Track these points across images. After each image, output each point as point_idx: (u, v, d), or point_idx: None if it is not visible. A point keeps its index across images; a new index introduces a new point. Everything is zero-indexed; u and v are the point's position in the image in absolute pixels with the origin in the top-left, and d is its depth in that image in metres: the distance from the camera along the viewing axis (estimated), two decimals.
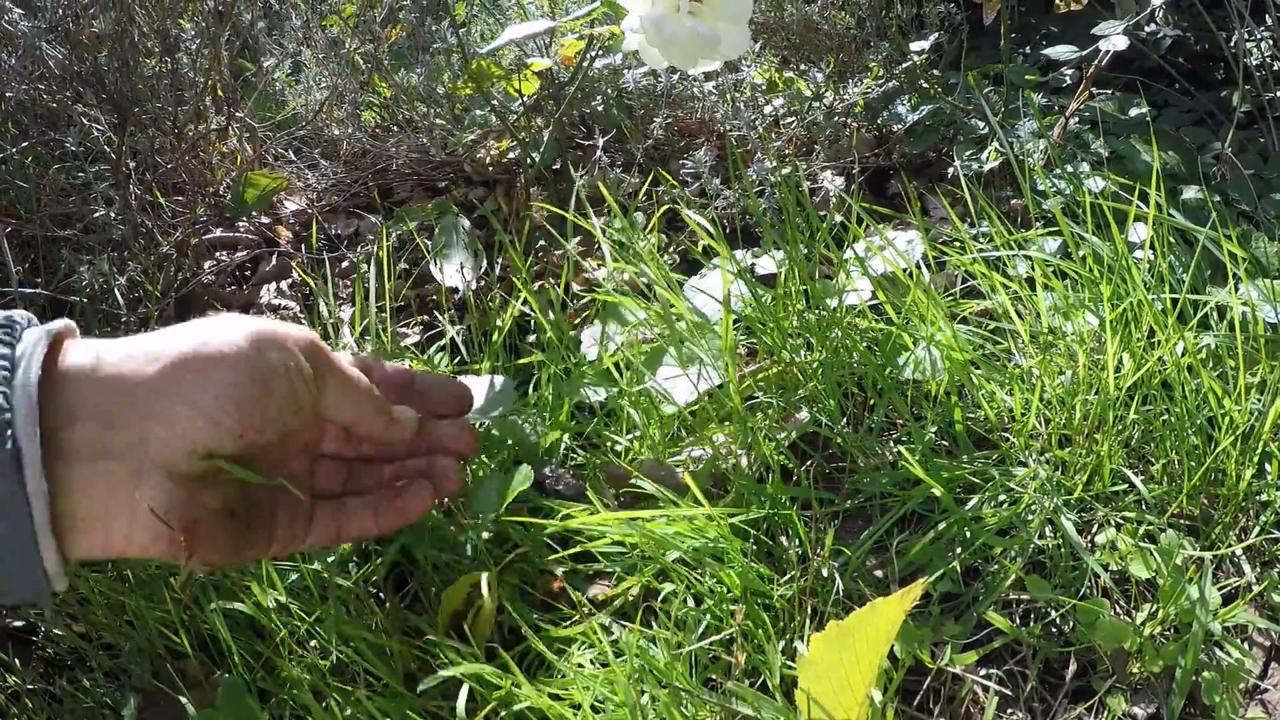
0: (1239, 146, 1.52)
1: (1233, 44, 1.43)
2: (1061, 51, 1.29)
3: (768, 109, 1.50)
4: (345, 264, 1.50)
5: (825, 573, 0.81)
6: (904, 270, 1.02)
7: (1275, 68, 1.52)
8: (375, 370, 0.74)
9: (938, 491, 0.83)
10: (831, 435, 0.94)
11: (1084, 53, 1.26)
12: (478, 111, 1.61)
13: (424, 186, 1.70)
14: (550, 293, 1.16)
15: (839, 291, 1.02)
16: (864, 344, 1.00)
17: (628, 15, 0.94)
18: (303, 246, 1.54)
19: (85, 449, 0.58)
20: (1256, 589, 0.86)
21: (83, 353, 0.61)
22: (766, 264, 1.15)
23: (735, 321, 1.02)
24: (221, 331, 0.62)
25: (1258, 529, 0.89)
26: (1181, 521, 0.90)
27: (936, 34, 1.39)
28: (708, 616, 0.79)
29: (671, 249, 1.28)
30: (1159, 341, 0.94)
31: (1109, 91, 1.47)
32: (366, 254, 1.46)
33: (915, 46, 1.37)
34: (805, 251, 1.08)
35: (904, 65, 1.42)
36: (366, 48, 1.60)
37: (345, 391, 0.67)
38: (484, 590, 0.82)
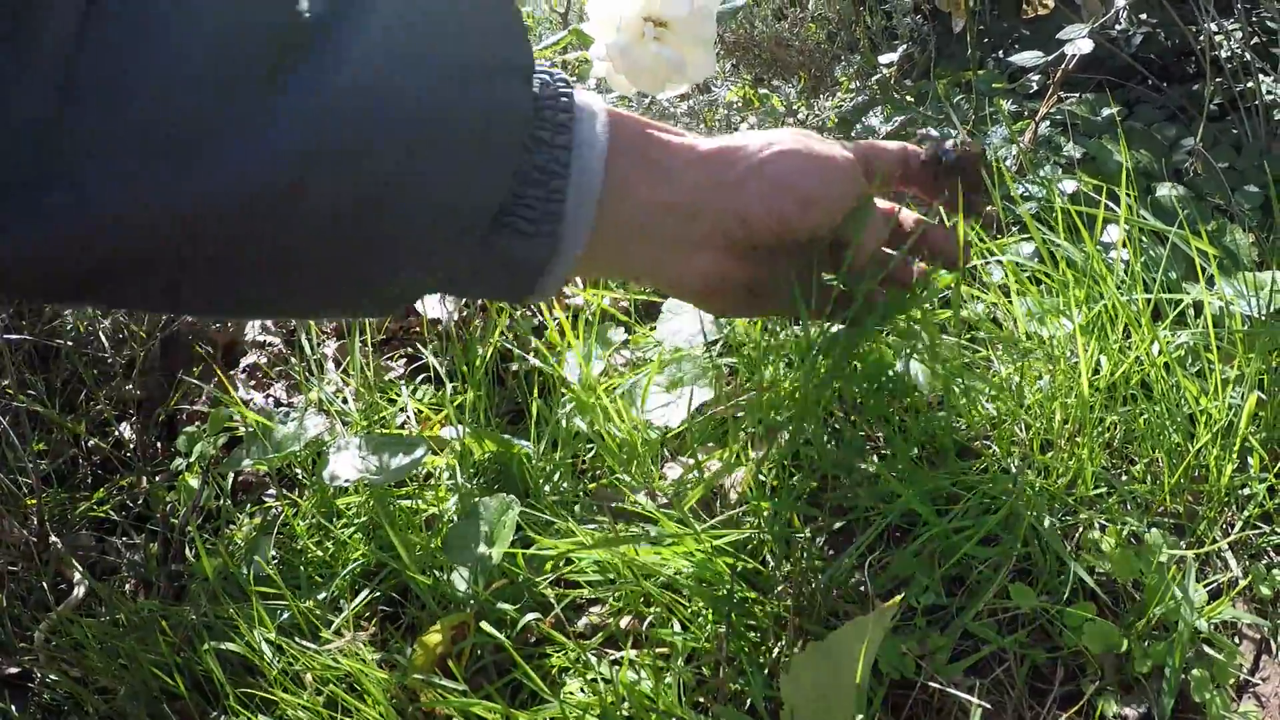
0: (1213, 140, 1.53)
1: (1201, 38, 1.44)
2: (1027, 57, 1.29)
3: (743, 126, 1.51)
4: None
5: (808, 591, 0.81)
6: None
7: (1246, 59, 1.53)
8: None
9: (915, 505, 0.83)
10: (814, 454, 0.94)
11: (1050, 57, 1.27)
12: None
13: None
14: (527, 323, 1.17)
15: None
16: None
17: (594, 43, 0.94)
18: None
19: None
20: (1243, 583, 0.86)
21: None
22: None
23: (714, 342, 1.03)
24: (791, 153, 0.74)
25: (1241, 523, 0.90)
26: (1166, 520, 0.90)
27: (905, 45, 1.40)
28: (693, 639, 0.79)
29: None
30: (1135, 342, 0.95)
31: (1079, 94, 1.48)
32: None
33: (884, 59, 1.38)
34: None
35: (875, 77, 1.43)
36: None
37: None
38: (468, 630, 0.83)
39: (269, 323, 1.48)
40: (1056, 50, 1.29)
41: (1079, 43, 1.18)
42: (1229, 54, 1.56)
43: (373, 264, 0.59)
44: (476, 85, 0.57)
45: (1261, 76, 1.45)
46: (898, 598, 0.62)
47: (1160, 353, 0.94)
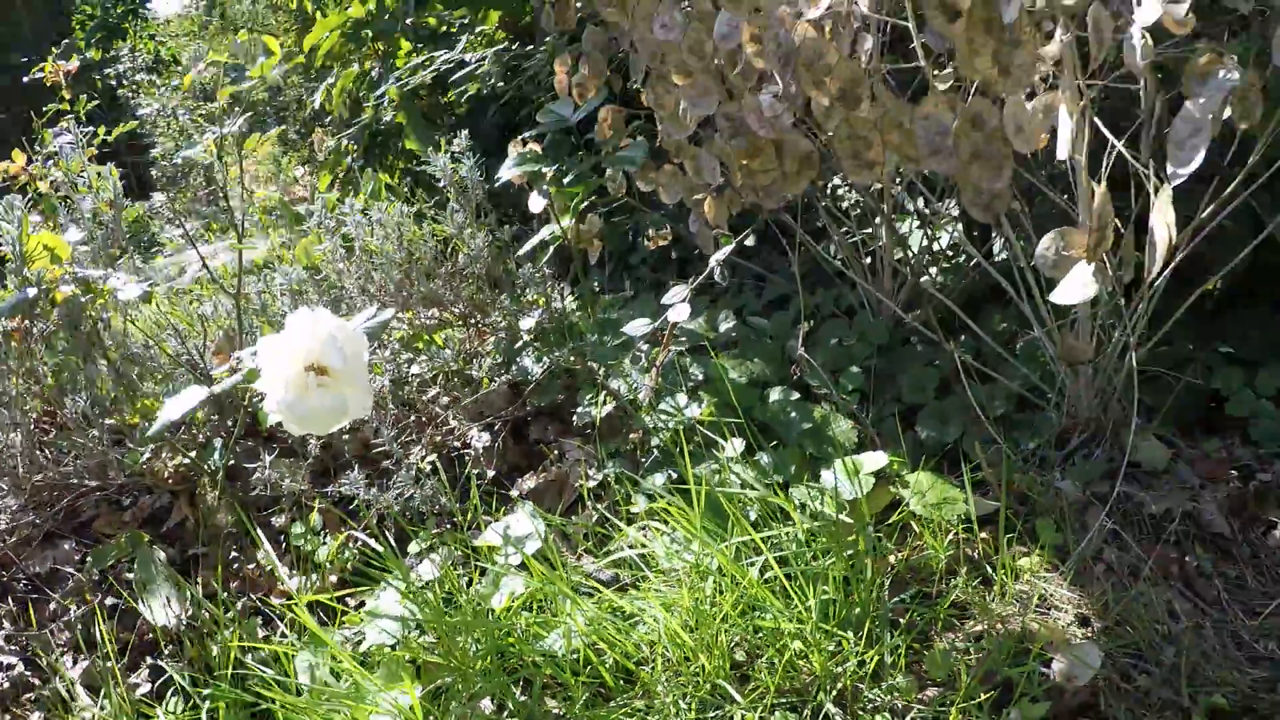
0: (831, 309, 1.93)
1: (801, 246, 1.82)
2: (637, 326, 1.63)
3: (412, 369, 1.79)
4: (53, 605, 1.67)
5: None
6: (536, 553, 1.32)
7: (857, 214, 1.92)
8: None
9: None
10: None
11: (656, 324, 1.61)
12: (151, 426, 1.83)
13: (109, 501, 1.89)
14: (251, 625, 1.40)
15: (488, 594, 1.31)
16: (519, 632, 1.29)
17: (268, 396, 1.20)
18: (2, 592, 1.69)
19: None
20: None
21: None
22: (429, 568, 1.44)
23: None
24: None
25: (839, 689, 1.22)
26: (786, 700, 1.22)
27: (540, 310, 1.72)
28: None
29: (353, 545, 1.55)
30: (731, 573, 1.27)
31: (714, 299, 1.84)
32: (74, 592, 1.65)
33: (524, 324, 1.70)
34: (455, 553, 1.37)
35: (527, 327, 1.75)
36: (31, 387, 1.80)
37: None
38: None
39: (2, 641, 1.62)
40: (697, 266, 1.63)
41: (679, 308, 1.52)
42: (850, 204, 1.97)
43: None
44: None
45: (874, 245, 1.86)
46: None
47: (760, 576, 1.27)
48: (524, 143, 1.81)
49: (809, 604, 1.26)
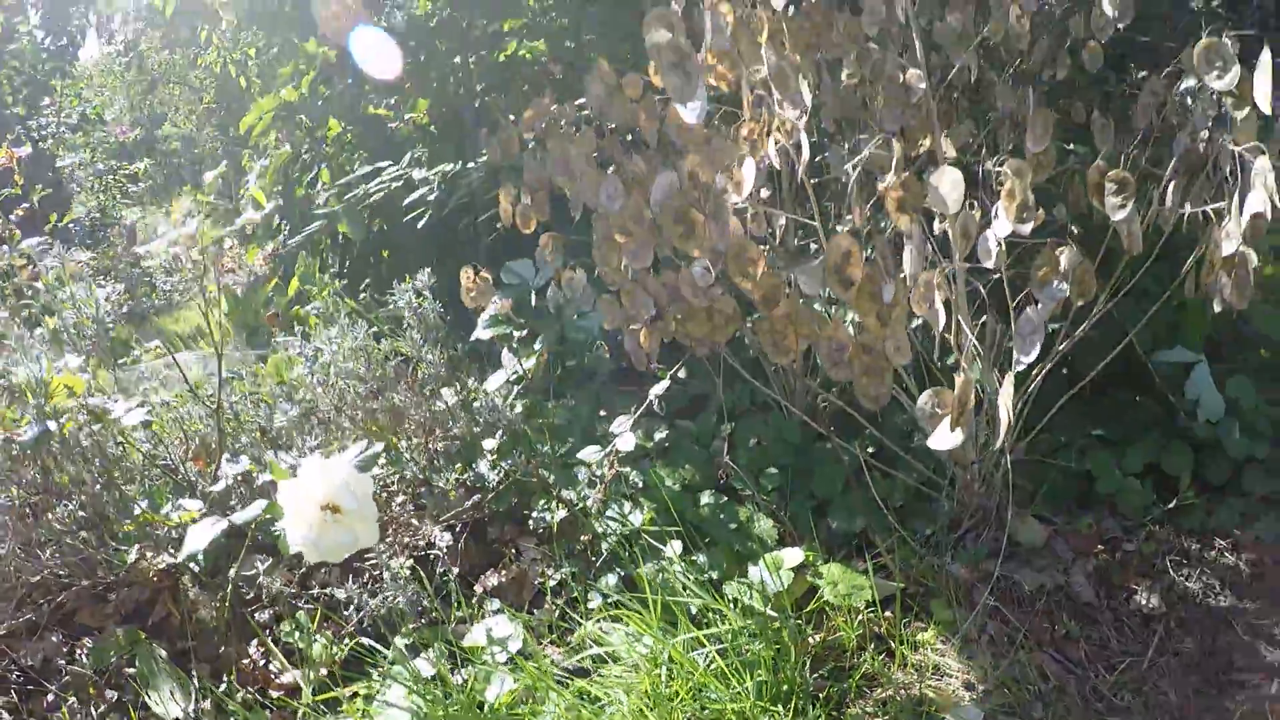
0: (750, 395, 2.24)
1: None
2: (589, 453, 1.92)
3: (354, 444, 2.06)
4: (50, 697, 1.87)
5: None
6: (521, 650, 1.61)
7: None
8: None
9: None
10: None
11: (606, 450, 1.90)
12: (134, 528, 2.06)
13: (93, 595, 2.10)
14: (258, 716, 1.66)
15: (479, 688, 1.59)
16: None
17: (289, 531, 1.46)
18: None
19: None
20: None
21: None
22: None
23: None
24: None
25: None
26: None
27: (501, 433, 2.00)
28: None
29: (340, 641, 1.81)
30: (680, 663, 1.56)
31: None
32: (72, 685, 1.86)
33: (488, 445, 1.98)
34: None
35: (491, 447, 2.02)
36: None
37: None
38: None
39: None
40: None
41: (625, 438, 1.81)
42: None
43: None
44: None
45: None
46: None
47: (705, 663, 1.57)
48: (475, 270, 2.09)
49: (746, 685, 1.56)
